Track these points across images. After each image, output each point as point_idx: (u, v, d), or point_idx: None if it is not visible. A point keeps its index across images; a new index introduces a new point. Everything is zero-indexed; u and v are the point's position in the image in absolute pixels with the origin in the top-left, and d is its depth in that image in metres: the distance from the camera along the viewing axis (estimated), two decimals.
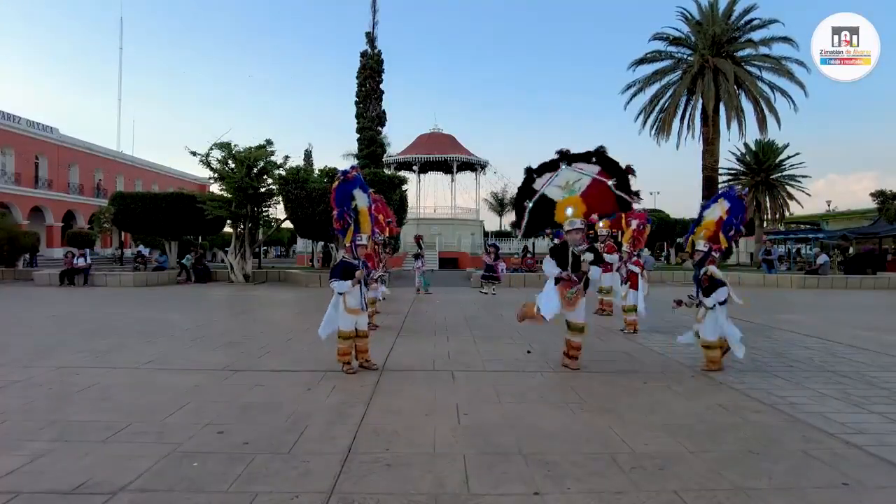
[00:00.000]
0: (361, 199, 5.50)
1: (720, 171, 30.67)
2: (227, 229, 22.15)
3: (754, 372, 5.20)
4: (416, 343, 6.70)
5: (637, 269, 7.72)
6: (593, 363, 5.61)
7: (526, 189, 5.64)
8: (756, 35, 25.78)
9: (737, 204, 5.46)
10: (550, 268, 5.26)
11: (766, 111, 25.56)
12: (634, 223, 8.15)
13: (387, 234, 8.33)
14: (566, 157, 5.42)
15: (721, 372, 5.19)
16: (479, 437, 3.38)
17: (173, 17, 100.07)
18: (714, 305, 5.20)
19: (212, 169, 18.24)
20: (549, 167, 5.51)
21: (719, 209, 5.53)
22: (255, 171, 18.13)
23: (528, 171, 5.61)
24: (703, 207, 5.84)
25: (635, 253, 7.94)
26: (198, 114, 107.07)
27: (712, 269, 5.31)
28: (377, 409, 3.97)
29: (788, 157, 39.27)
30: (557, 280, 5.23)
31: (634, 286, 7.69)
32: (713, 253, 5.40)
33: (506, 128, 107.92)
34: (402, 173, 30.70)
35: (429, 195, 41.24)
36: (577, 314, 5.30)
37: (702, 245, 5.44)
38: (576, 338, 5.38)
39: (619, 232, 9.54)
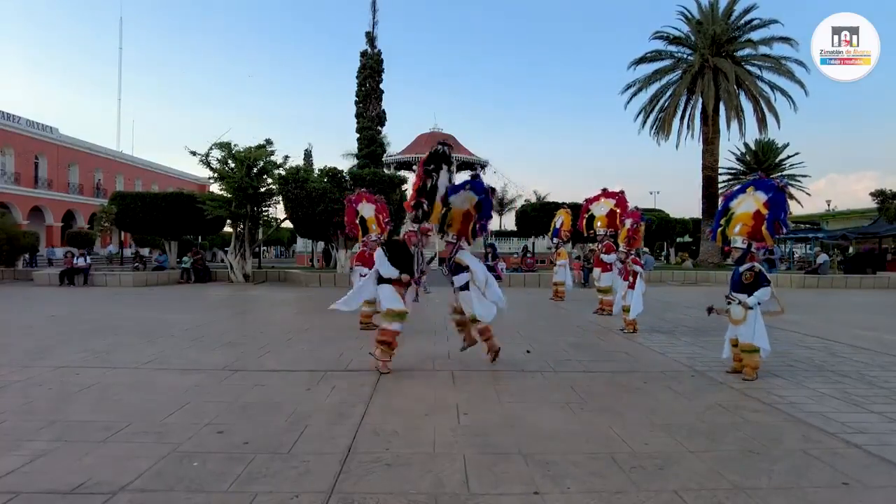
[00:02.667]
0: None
1: (720, 170, 30.70)
2: (227, 229, 22.14)
3: None
4: (416, 343, 6.69)
5: (639, 269, 7.62)
6: (593, 363, 5.61)
7: (432, 185, 5.37)
8: (756, 35, 25.78)
9: (779, 197, 4.97)
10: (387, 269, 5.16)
11: (765, 111, 25.57)
12: (628, 222, 8.07)
13: (385, 234, 8.40)
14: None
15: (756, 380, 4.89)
16: (479, 436, 3.38)
17: (173, 16, 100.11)
18: (755, 305, 4.91)
19: (211, 169, 18.23)
20: (445, 160, 5.41)
21: (752, 201, 5.10)
22: (255, 170, 18.13)
23: (436, 155, 5.39)
24: (729, 197, 5.50)
25: (633, 252, 7.86)
26: (198, 114, 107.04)
27: (759, 266, 5.05)
28: (377, 408, 3.97)
29: (788, 157, 39.41)
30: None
31: (633, 286, 7.60)
32: (754, 250, 5.07)
33: (506, 127, 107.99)
34: (402, 173, 30.69)
35: None
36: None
37: (740, 242, 5.11)
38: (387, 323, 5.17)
39: (616, 231, 9.60)
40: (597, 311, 9.67)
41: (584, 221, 10.36)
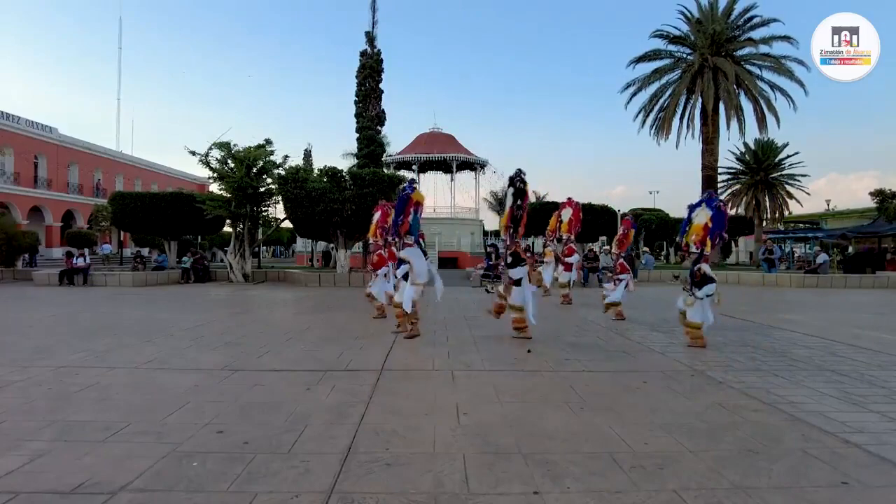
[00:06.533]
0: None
1: (720, 170, 30.70)
2: (227, 229, 22.14)
3: (754, 371, 5.21)
4: (416, 343, 6.70)
5: (626, 277, 8.86)
6: (593, 363, 5.62)
7: (505, 192, 7.64)
8: (756, 34, 25.81)
9: (718, 215, 6.44)
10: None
11: (765, 110, 25.60)
12: (621, 228, 9.41)
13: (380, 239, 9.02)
14: (514, 181, 7.11)
15: (705, 349, 6.26)
16: (479, 436, 3.38)
17: (172, 16, 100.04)
18: (703, 297, 6.38)
19: (211, 168, 18.23)
20: (511, 182, 7.18)
21: (704, 215, 6.53)
22: (255, 170, 18.13)
23: (510, 178, 7.22)
24: (691, 209, 6.79)
25: (622, 254, 9.07)
26: (197, 114, 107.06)
27: (705, 267, 6.44)
28: (377, 408, 3.97)
29: (788, 157, 39.33)
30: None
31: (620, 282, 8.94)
32: (705, 253, 6.51)
33: (505, 127, 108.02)
34: (402, 173, 30.69)
35: (428, 194, 41.31)
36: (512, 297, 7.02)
37: (694, 248, 6.61)
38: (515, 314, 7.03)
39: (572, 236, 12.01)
40: (563, 303, 11.09)
41: (557, 224, 12.31)
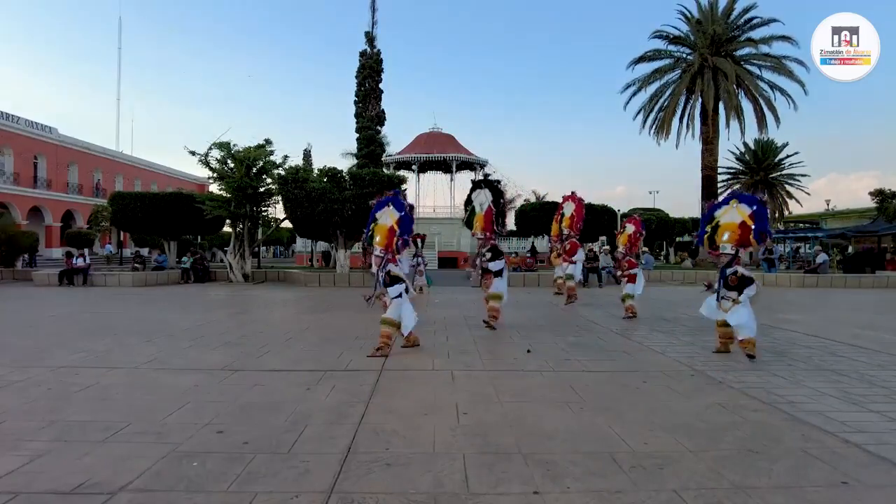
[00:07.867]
0: (384, 217, 6.09)
1: (720, 169, 30.72)
2: (227, 229, 22.12)
3: (754, 371, 5.21)
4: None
5: (637, 271, 9.04)
6: (593, 363, 5.62)
7: (468, 198, 8.70)
8: (756, 34, 25.80)
9: (762, 210, 5.75)
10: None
11: (765, 110, 25.60)
12: (631, 229, 9.30)
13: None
14: (484, 183, 8.24)
15: (729, 353, 5.95)
16: (479, 436, 3.38)
17: (172, 16, 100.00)
18: (746, 299, 5.70)
19: (211, 168, 18.21)
20: (478, 186, 8.25)
21: (736, 212, 5.79)
22: (255, 170, 18.11)
23: (473, 183, 8.49)
24: (714, 207, 6.15)
25: (631, 255, 9.20)
26: (197, 113, 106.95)
27: (741, 269, 5.79)
28: (377, 408, 3.97)
29: (788, 157, 39.39)
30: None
31: (632, 280, 8.99)
32: (740, 254, 5.81)
33: (505, 127, 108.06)
34: (402, 173, 30.69)
35: (428, 195, 41.40)
36: (493, 287, 7.83)
37: (729, 248, 5.78)
38: (494, 303, 7.76)
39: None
40: (568, 302, 11.07)
41: (560, 219, 12.01)
